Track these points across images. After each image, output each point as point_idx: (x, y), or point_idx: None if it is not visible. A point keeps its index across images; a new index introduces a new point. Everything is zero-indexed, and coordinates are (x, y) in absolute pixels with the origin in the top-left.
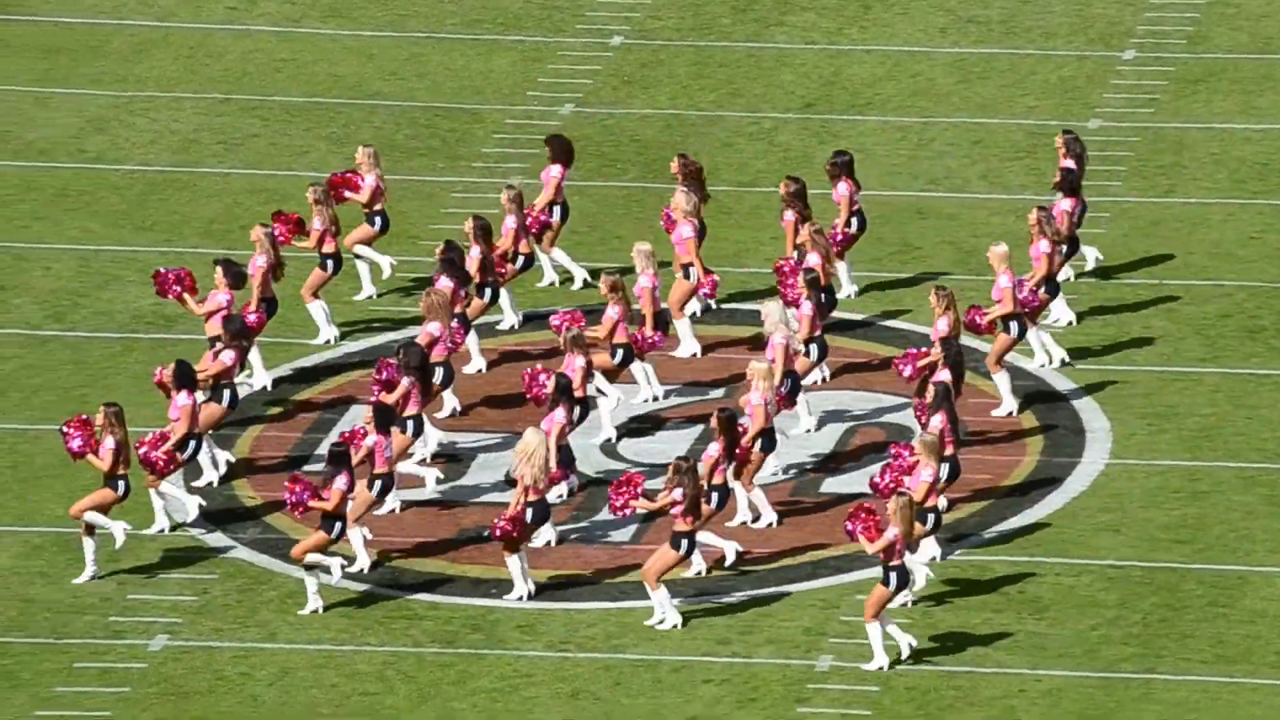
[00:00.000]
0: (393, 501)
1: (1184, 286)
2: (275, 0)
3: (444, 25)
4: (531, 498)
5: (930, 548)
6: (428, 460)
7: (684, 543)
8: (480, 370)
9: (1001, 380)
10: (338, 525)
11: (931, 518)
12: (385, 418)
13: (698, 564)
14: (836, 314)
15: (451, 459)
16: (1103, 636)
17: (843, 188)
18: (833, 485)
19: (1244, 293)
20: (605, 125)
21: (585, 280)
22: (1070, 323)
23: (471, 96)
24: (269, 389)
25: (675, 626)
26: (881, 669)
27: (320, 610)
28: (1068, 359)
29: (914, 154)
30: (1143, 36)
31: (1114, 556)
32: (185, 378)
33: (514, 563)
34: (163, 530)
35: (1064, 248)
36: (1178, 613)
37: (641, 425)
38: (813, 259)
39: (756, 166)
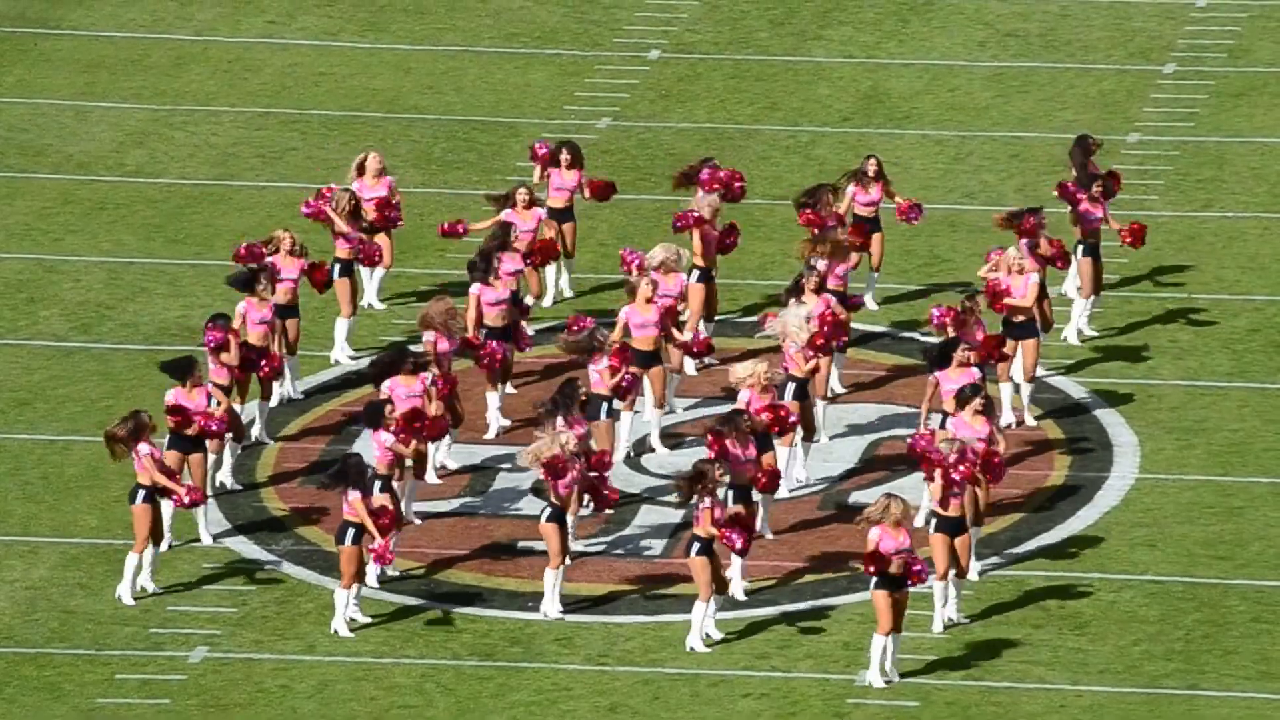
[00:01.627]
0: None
1: (1213, 300)
2: (313, 15)
3: (481, 39)
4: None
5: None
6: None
7: (700, 545)
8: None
9: (1006, 391)
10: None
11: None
12: (375, 417)
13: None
14: (857, 325)
15: (476, 470)
16: (1145, 652)
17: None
18: (860, 498)
19: (1274, 307)
20: (642, 139)
21: (559, 297)
22: (1076, 337)
23: (509, 110)
24: (299, 397)
25: (708, 637)
26: (870, 685)
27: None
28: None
29: (950, 167)
30: (1183, 50)
31: (1153, 572)
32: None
33: (550, 577)
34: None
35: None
36: (1221, 629)
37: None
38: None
39: (792, 180)
